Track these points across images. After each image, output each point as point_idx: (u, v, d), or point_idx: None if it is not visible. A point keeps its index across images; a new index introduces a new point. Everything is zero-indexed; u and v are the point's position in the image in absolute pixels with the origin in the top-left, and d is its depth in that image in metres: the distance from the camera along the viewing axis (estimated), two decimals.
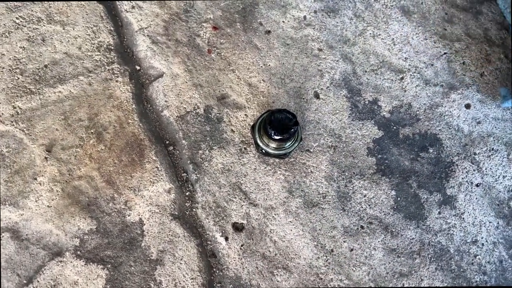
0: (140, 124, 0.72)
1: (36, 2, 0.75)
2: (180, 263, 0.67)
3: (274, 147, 0.69)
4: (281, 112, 0.66)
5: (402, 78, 0.79)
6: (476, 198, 0.74)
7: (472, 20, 0.85)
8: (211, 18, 0.79)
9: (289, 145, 0.70)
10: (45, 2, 0.75)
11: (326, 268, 0.69)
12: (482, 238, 0.73)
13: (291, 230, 0.70)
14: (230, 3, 0.80)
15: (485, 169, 0.76)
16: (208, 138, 0.73)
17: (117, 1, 0.78)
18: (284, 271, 0.68)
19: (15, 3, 0.75)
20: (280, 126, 0.66)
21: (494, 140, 0.77)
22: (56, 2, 0.75)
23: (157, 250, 0.67)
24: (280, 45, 0.79)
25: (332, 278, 0.69)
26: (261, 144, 0.70)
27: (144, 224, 0.68)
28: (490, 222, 0.74)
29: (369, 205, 0.73)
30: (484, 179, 0.75)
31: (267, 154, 0.71)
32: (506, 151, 0.76)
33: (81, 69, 0.73)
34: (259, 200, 0.71)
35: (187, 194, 0.71)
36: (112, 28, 0.76)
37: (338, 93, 0.77)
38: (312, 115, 0.76)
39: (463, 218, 0.73)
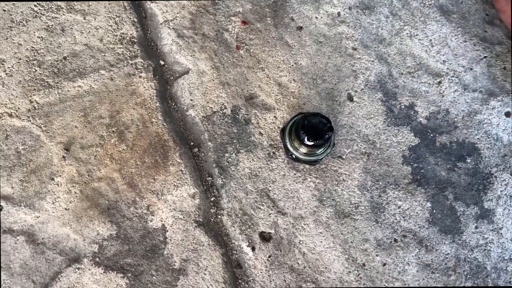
0: (164, 124, 0.68)
1: None
2: (204, 274, 0.63)
3: (305, 153, 0.65)
4: (315, 116, 0.62)
5: (439, 82, 0.75)
6: None
7: None
8: (240, 11, 0.74)
9: (321, 151, 0.66)
10: None
11: (358, 283, 0.65)
12: None
13: (321, 241, 0.66)
14: None
15: None
16: (235, 141, 0.69)
17: None
18: (313, 285, 0.65)
19: None
20: (313, 131, 0.61)
21: None
22: None
23: (180, 259, 0.64)
24: (312, 43, 0.74)
25: None
26: (291, 149, 0.66)
27: (167, 231, 0.64)
28: None
29: (403, 217, 0.69)
30: None
31: (297, 159, 0.67)
32: None
33: (102, 63, 0.69)
34: (288, 208, 0.67)
35: (212, 199, 0.67)
36: (135, 20, 0.71)
37: (373, 96, 0.73)
38: (345, 119, 0.72)
39: (501, 234, 0.70)
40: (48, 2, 0.70)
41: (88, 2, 0.70)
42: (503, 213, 0.70)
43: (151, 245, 0.64)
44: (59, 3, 0.70)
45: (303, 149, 0.65)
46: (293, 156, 0.66)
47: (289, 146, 0.66)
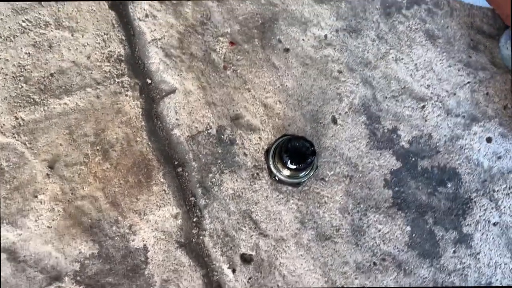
0: (149, 143, 0.68)
1: (44, 6, 0.70)
2: None
3: (288, 175, 0.66)
4: (299, 139, 0.63)
5: (423, 107, 0.76)
6: (493, 238, 0.72)
7: (498, 48, 0.81)
8: (228, 32, 0.74)
9: (304, 174, 0.66)
10: (54, 6, 0.71)
11: None
12: (496, 280, 0.70)
13: (302, 264, 0.67)
14: (248, 17, 0.76)
15: (504, 207, 0.73)
16: (219, 161, 0.70)
17: (130, 8, 0.73)
18: None
19: (21, 4, 0.70)
20: (296, 154, 0.62)
21: None
22: (66, 6, 0.71)
23: (161, 279, 0.64)
24: (299, 65, 0.75)
25: None
26: (274, 171, 0.67)
27: (149, 251, 0.65)
28: (505, 264, 0.71)
29: (383, 241, 0.70)
30: (502, 218, 0.73)
31: (280, 181, 0.67)
32: None
33: (89, 80, 0.69)
34: (269, 230, 0.68)
35: (194, 220, 0.67)
36: (123, 37, 0.72)
37: (357, 119, 0.74)
38: (328, 141, 0.73)
39: (478, 259, 0.71)
40: (36, 18, 0.70)
41: (76, 19, 0.71)
42: (481, 238, 0.72)
43: (132, 265, 0.64)
44: (47, 19, 0.70)
45: (286, 172, 0.65)
46: (277, 178, 0.67)
47: (272, 168, 0.67)
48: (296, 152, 0.62)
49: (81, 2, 0.72)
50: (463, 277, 0.70)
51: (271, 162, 0.67)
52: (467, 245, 0.71)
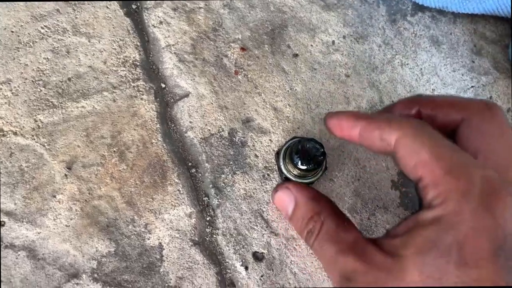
0: (164, 145, 0.70)
1: (62, 13, 0.73)
2: None
3: (298, 176, 0.68)
4: (309, 141, 0.65)
5: None
6: None
7: (500, 54, 0.84)
8: (240, 38, 0.77)
9: (313, 174, 0.68)
10: (72, 13, 0.73)
11: None
12: None
13: (312, 262, 0.69)
14: (259, 24, 0.78)
15: None
16: (231, 162, 0.72)
17: (144, 16, 0.76)
18: None
19: (40, 11, 0.73)
20: (307, 155, 0.64)
21: None
22: (82, 13, 0.73)
23: (176, 276, 0.66)
24: (307, 70, 0.78)
25: None
26: (285, 172, 0.68)
27: (164, 249, 0.67)
28: None
29: None
30: None
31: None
32: None
33: (105, 84, 0.71)
34: (280, 229, 0.70)
35: (207, 219, 0.69)
36: (138, 43, 0.74)
37: None
38: (337, 143, 0.75)
39: None
40: (55, 25, 0.72)
41: (93, 26, 0.73)
42: None
43: (148, 263, 0.66)
44: (65, 25, 0.73)
45: (296, 172, 0.67)
46: (287, 178, 0.69)
47: (283, 169, 0.69)
48: (306, 153, 0.64)
49: (98, 10, 0.74)
50: None
51: (281, 163, 0.69)
52: None
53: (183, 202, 0.69)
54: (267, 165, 0.72)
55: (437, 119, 0.51)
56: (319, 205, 0.55)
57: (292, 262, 0.69)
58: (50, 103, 0.70)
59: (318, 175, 0.69)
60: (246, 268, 0.68)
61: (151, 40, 0.75)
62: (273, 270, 0.68)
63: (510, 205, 0.37)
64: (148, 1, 0.76)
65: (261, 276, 0.68)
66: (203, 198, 0.70)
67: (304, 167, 0.64)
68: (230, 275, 0.68)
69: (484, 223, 0.36)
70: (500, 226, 0.36)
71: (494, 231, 0.36)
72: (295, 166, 0.65)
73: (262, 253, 0.69)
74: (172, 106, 0.73)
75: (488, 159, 0.44)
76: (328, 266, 0.49)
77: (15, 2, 0.72)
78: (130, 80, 0.72)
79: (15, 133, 0.68)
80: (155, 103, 0.72)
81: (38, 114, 0.69)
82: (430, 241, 0.39)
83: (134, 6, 0.76)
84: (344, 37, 0.80)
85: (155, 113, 0.72)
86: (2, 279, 0.63)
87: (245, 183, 0.71)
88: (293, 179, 0.68)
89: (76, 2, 0.74)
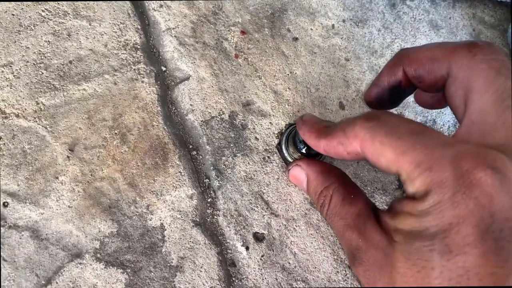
0: (165, 127, 0.71)
1: None
2: (200, 271, 0.67)
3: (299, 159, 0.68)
4: None
5: None
6: None
7: (499, 38, 0.84)
8: (240, 22, 0.77)
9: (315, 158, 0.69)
10: None
11: (345, 282, 0.69)
12: None
13: (312, 243, 0.70)
14: (259, 8, 0.78)
15: None
16: (232, 145, 0.72)
17: None
18: (303, 283, 0.68)
19: None
20: None
21: None
22: None
23: (178, 256, 0.67)
24: (307, 53, 0.78)
25: None
26: (286, 155, 0.69)
27: (166, 230, 0.67)
28: None
29: None
30: None
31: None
32: None
33: (106, 67, 0.72)
34: (280, 210, 0.71)
35: (208, 200, 0.70)
36: (139, 27, 0.74)
37: (364, 105, 0.77)
38: None
39: None
40: (55, 8, 0.73)
41: (93, 9, 0.73)
42: None
43: (150, 243, 0.67)
44: (65, 8, 0.73)
45: (298, 156, 0.68)
46: (288, 161, 0.70)
47: (284, 152, 0.69)
48: None
49: None
50: None
51: (283, 146, 0.69)
52: None
53: (184, 183, 0.69)
54: (267, 147, 0.73)
55: (424, 79, 0.49)
56: (329, 179, 0.55)
57: (292, 243, 0.70)
58: (52, 86, 0.70)
59: (319, 158, 0.69)
60: (247, 248, 0.69)
61: (152, 23, 0.76)
62: (273, 250, 0.69)
63: (491, 179, 0.34)
64: None
65: (262, 256, 0.69)
66: (204, 180, 0.71)
67: (305, 151, 0.65)
68: (231, 255, 0.68)
69: (466, 209, 0.35)
70: (484, 206, 0.35)
71: (477, 214, 0.35)
72: (297, 149, 0.66)
73: (263, 233, 0.70)
74: (173, 89, 0.73)
75: (473, 120, 0.41)
76: (340, 240, 0.49)
77: None
78: (131, 63, 0.73)
79: (17, 115, 0.68)
80: (156, 86, 0.73)
81: (40, 96, 0.69)
82: (416, 230, 0.39)
83: None
84: (343, 21, 0.81)
85: (156, 96, 0.72)
86: (6, 259, 0.63)
87: (246, 165, 0.72)
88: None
89: None
